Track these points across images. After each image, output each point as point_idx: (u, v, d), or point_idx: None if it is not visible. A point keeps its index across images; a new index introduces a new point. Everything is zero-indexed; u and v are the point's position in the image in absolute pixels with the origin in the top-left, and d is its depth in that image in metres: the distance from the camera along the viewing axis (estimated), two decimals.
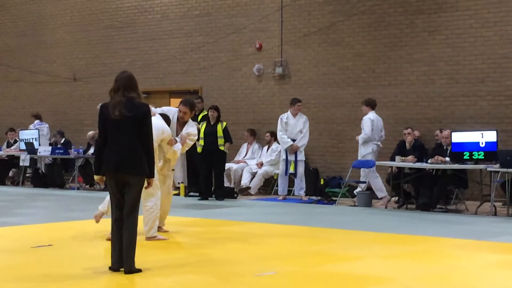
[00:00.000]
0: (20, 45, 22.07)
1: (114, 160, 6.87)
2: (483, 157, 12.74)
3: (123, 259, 6.87)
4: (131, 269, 6.84)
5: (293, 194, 15.41)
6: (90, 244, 8.90)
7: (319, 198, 15.18)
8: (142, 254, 7.55)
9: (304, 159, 15.26)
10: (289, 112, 15.26)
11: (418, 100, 15.69)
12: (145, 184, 7.06)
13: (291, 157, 15.11)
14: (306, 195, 15.21)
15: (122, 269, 6.89)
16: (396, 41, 15.96)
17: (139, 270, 6.90)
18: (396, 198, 14.13)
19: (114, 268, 6.91)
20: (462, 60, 15.24)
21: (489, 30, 14.99)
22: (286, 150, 15.13)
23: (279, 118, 15.26)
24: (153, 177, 7.15)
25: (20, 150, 18.77)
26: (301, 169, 15.19)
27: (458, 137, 13.13)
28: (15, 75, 22.07)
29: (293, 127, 15.15)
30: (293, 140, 15.06)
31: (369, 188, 14.74)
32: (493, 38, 14.95)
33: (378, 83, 16.16)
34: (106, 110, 6.94)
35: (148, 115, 6.99)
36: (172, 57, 19.07)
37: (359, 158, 14.74)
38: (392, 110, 15.96)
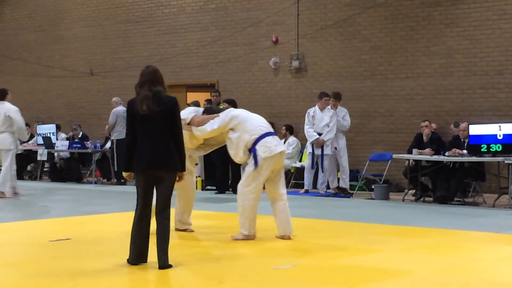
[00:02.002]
0: (37, 40, 22.17)
1: (147, 156, 6.77)
2: (500, 150, 12.68)
3: (143, 253, 6.83)
4: (166, 264, 6.76)
5: (315, 188, 15.37)
6: (108, 238, 8.93)
7: (336, 191, 15.17)
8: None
9: (330, 153, 15.20)
10: (316, 106, 15.24)
11: (435, 93, 15.64)
12: (177, 178, 7.02)
13: (317, 151, 15.08)
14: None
15: (141, 263, 6.84)
16: (413, 34, 15.90)
17: (170, 265, 6.82)
18: (414, 191, 14.10)
19: (132, 262, 6.87)
20: (479, 52, 15.17)
21: (507, 22, 14.90)
22: (312, 144, 15.11)
23: (307, 112, 15.21)
24: (185, 170, 7.06)
25: (38, 144, 18.88)
26: (326, 163, 15.15)
27: (476, 129, 13.07)
28: (32, 70, 22.19)
29: (320, 121, 15.10)
30: (320, 134, 15.02)
31: (386, 181, 14.72)
32: (511, 30, 14.86)
33: (395, 76, 16.11)
34: (133, 106, 6.85)
35: (176, 109, 6.93)
36: (188, 51, 19.10)
37: (335, 148, 15.03)
38: (409, 102, 15.91)
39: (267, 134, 8.61)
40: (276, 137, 8.79)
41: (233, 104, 10.70)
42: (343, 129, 15.04)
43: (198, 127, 8.80)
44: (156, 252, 6.78)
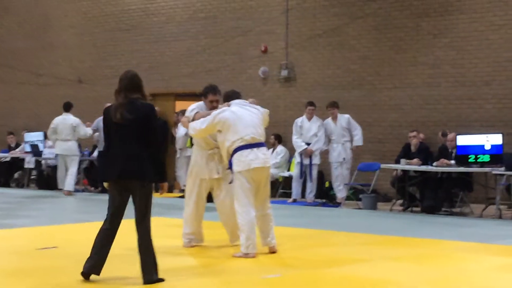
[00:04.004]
0: (26, 47, 22.11)
1: (117, 165, 6.57)
2: (488, 160, 12.72)
3: (96, 265, 6.57)
4: (152, 279, 6.52)
5: (303, 197, 15.36)
6: None
7: (324, 200, 15.19)
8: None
9: (318, 162, 15.22)
10: (304, 116, 15.28)
11: (423, 103, 15.69)
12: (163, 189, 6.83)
13: (306, 161, 15.09)
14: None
15: (93, 275, 6.58)
16: (401, 44, 15.96)
17: (161, 280, 6.59)
18: (401, 201, 14.12)
19: (84, 270, 6.59)
20: (467, 63, 15.23)
21: (494, 33, 14.97)
22: (300, 154, 15.12)
23: (295, 122, 15.28)
24: (165, 181, 6.82)
25: (25, 152, 18.81)
26: (314, 172, 15.16)
27: (463, 140, 13.11)
28: (20, 77, 22.12)
29: (307, 131, 15.14)
30: (308, 144, 15.03)
31: (374, 191, 14.74)
32: (498, 41, 14.94)
33: (383, 86, 16.15)
34: (109, 114, 6.66)
35: (152, 116, 6.63)
36: (177, 59, 19.09)
37: (343, 158, 15.03)
38: (397, 113, 15.95)
39: (246, 146, 8.16)
40: (257, 150, 8.20)
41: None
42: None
43: (193, 124, 8.49)
44: (140, 267, 6.54)
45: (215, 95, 8.91)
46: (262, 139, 8.40)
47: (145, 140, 6.59)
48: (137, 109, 6.58)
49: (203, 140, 8.74)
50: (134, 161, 6.55)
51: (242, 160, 8.13)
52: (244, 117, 8.36)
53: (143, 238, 6.57)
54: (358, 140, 14.91)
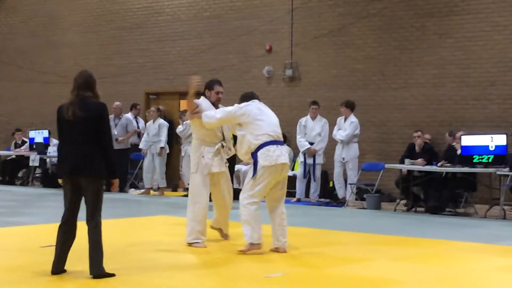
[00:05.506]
0: (31, 45, 22.14)
1: (68, 162, 6.72)
2: (492, 161, 12.70)
3: (61, 261, 6.77)
4: (100, 273, 6.67)
5: (307, 197, 15.34)
6: None
7: (328, 200, 15.18)
8: (148, 255, 7.56)
9: (322, 162, 15.19)
10: (308, 116, 15.26)
11: (428, 103, 15.67)
12: (115, 185, 7.00)
13: (310, 160, 15.07)
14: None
15: (60, 272, 6.76)
16: (407, 44, 15.95)
17: (112, 275, 6.74)
18: (405, 201, 14.11)
19: (52, 269, 6.77)
20: (472, 63, 15.22)
21: (499, 34, 14.96)
22: (304, 154, 15.11)
23: (299, 122, 15.27)
24: (116, 178, 6.97)
25: (30, 150, 18.83)
26: (318, 172, 15.14)
27: (468, 140, 13.09)
28: (25, 75, 22.14)
29: (311, 130, 15.11)
30: (312, 143, 15.01)
31: (378, 191, 14.72)
32: (503, 41, 14.93)
33: (388, 85, 16.15)
34: (61, 111, 6.79)
35: (104, 115, 6.80)
36: (182, 58, 19.10)
37: (343, 158, 14.78)
38: (402, 112, 15.94)
39: (272, 142, 8.34)
40: (281, 147, 8.46)
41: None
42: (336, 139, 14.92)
43: (208, 113, 8.64)
44: (89, 261, 6.71)
45: (221, 86, 9.25)
46: (282, 138, 8.65)
47: (96, 138, 6.71)
48: (89, 107, 6.74)
49: (213, 133, 8.84)
50: (84, 158, 6.69)
51: (269, 155, 8.26)
52: (268, 114, 8.69)
53: (93, 232, 6.76)
54: (336, 136, 14.76)
